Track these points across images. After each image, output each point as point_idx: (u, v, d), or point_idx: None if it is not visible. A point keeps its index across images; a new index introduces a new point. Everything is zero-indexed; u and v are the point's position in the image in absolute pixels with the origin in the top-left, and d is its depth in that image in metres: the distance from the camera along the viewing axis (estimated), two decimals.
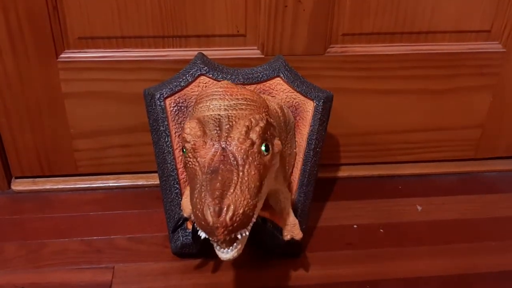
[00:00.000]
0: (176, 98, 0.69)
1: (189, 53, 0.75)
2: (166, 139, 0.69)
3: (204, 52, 0.73)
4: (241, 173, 0.51)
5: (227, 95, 0.58)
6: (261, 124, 0.54)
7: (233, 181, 0.50)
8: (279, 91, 0.71)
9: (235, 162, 0.52)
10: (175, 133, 0.69)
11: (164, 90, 0.69)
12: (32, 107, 0.78)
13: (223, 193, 0.49)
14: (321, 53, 0.79)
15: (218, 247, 0.51)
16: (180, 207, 0.69)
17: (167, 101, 0.69)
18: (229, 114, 0.56)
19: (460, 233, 0.80)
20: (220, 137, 0.53)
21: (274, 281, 0.71)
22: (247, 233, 0.51)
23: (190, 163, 0.54)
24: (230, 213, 0.48)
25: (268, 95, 0.70)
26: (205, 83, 0.69)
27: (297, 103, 0.71)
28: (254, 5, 0.74)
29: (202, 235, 0.50)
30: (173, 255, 0.73)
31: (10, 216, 0.79)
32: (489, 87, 0.85)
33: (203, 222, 0.49)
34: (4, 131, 0.80)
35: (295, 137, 0.72)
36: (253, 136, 0.53)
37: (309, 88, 0.70)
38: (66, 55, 0.75)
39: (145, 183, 0.86)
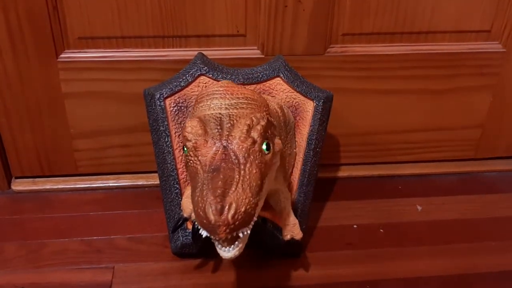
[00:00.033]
0: (176, 98, 0.69)
1: (189, 53, 0.75)
2: (166, 139, 0.69)
3: (204, 52, 0.73)
4: (242, 172, 0.51)
5: (228, 94, 0.58)
6: (262, 123, 0.54)
7: (235, 179, 0.50)
8: (279, 91, 0.71)
9: (236, 161, 0.52)
10: (175, 133, 0.69)
11: (164, 90, 0.69)
12: (32, 107, 0.78)
13: (225, 191, 0.49)
14: (321, 53, 0.79)
15: (219, 246, 0.51)
16: (180, 207, 0.69)
17: (167, 101, 0.69)
18: (230, 113, 0.56)
19: (460, 233, 0.80)
20: (221, 136, 0.53)
21: (274, 281, 0.71)
22: (249, 231, 0.51)
23: (191, 161, 0.54)
24: (232, 211, 0.48)
25: (268, 95, 0.70)
26: (205, 83, 0.69)
27: (297, 103, 0.71)
28: (254, 5, 0.74)
29: (204, 233, 0.50)
30: (173, 255, 0.73)
31: (10, 216, 0.79)
32: (489, 87, 0.85)
33: (204, 221, 0.49)
34: (4, 131, 0.80)
35: (295, 137, 0.72)
36: (255, 134, 0.53)
37: (309, 88, 0.70)
38: (66, 55, 0.75)
39: (145, 183, 0.86)
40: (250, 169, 0.52)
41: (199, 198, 0.50)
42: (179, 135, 0.69)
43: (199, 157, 0.53)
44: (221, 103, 0.57)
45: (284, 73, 0.70)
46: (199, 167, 0.52)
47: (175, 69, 0.73)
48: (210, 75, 0.69)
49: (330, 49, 0.79)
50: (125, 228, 0.78)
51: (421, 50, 0.81)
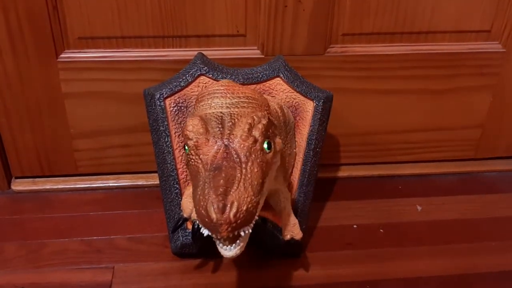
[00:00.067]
0: (176, 98, 0.69)
1: (189, 53, 0.75)
2: (166, 139, 0.69)
3: (204, 52, 0.73)
4: (244, 170, 0.51)
5: (229, 93, 0.58)
6: (264, 122, 0.54)
7: (237, 178, 0.50)
8: (279, 91, 0.71)
9: (238, 159, 0.52)
10: (175, 133, 0.69)
11: (164, 90, 0.69)
12: (32, 107, 0.78)
13: (226, 190, 0.49)
14: (321, 53, 0.79)
15: (220, 245, 0.51)
16: (180, 207, 0.69)
17: (167, 101, 0.69)
18: (231, 112, 0.56)
19: (460, 233, 0.80)
20: (222, 135, 0.53)
21: (274, 281, 0.71)
22: (250, 230, 0.51)
23: (192, 160, 0.53)
24: (234, 210, 0.48)
25: (268, 95, 0.70)
26: (205, 83, 0.69)
27: (297, 103, 0.71)
28: (254, 5, 0.74)
29: (205, 232, 0.50)
30: (173, 255, 0.73)
31: (10, 216, 0.79)
32: (489, 87, 0.85)
33: (206, 219, 0.49)
34: (4, 131, 0.80)
35: (295, 137, 0.72)
36: (256, 133, 0.53)
37: (309, 88, 0.70)
38: (66, 55, 0.75)
39: (145, 183, 0.86)
40: (252, 167, 0.52)
41: (201, 197, 0.50)
42: (179, 135, 0.69)
43: (201, 156, 0.53)
44: (222, 102, 0.57)
45: (284, 73, 0.70)
46: (200, 165, 0.52)
47: (175, 69, 0.73)
48: (210, 75, 0.69)
49: (330, 49, 0.79)
50: (125, 228, 0.78)
51: (421, 50, 0.81)
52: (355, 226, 0.80)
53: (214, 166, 0.51)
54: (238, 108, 0.57)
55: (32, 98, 0.77)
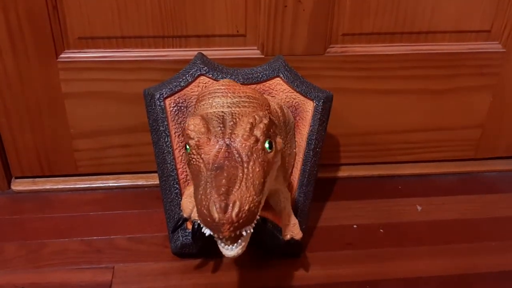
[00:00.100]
0: (175, 98, 0.69)
1: (189, 53, 0.75)
2: (166, 139, 0.69)
3: (204, 52, 0.73)
4: (245, 170, 0.51)
5: (230, 92, 0.58)
6: (265, 121, 0.54)
7: (238, 178, 0.50)
8: (279, 91, 0.71)
9: (239, 159, 0.52)
10: (174, 133, 0.69)
11: (164, 90, 0.69)
12: (32, 107, 0.78)
13: (228, 189, 0.49)
14: (321, 53, 0.79)
15: (222, 244, 0.51)
16: (180, 207, 0.69)
17: (167, 101, 0.69)
18: (233, 111, 0.56)
19: (460, 233, 0.80)
20: (224, 134, 0.53)
21: (274, 281, 0.71)
22: (252, 230, 0.51)
23: (194, 160, 0.53)
24: (236, 209, 0.48)
25: (268, 95, 0.70)
26: (205, 83, 0.69)
27: (296, 103, 0.71)
28: (254, 5, 0.74)
29: (207, 232, 0.50)
30: (173, 255, 0.73)
31: (10, 216, 0.79)
32: (489, 87, 0.85)
33: (208, 219, 0.48)
34: (4, 131, 0.80)
35: (294, 137, 0.72)
36: (257, 133, 0.53)
37: (309, 88, 0.70)
38: (66, 55, 0.75)
39: (145, 183, 0.86)
40: (253, 167, 0.52)
41: (203, 196, 0.50)
42: (179, 135, 0.69)
43: (202, 155, 0.53)
44: (223, 102, 0.57)
45: (284, 73, 0.70)
46: (202, 165, 0.52)
47: (175, 69, 0.73)
48: (210, 75, 0.69)
49: (330, 49, 0.79)
50: (125, 228, 0.78)
51: (421, 50, 0.81)
52: (355, 226, 0.80)
53: (216, 165, 0.51)
54: (239, 107, 0.57)
55: (32, 98, 0.77)
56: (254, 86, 0.70)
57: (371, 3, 0.76)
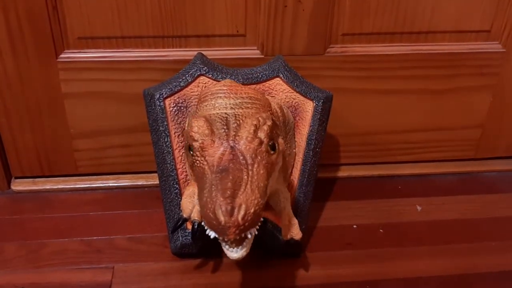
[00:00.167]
0: (175, 98, 0.69)
1: (189, 53, 0.75)
2: (166, 139, 0.69)
3: (204, 52, 0.73)
4: (250, 172, 0.51)
5: (232, 93, 0.58)
6: (269, 123, 0.54)
7: (244, 180, 0.50)
8: (279, 91, 0.71)
9: (244, 161, 0.52)
10: (174, 133, 0.69)
11: (163, 90, 0.69)
12: (32, 107, 0.78)
13: (234, 192, 0.49)
14: (321, 53, 0.79)
15: (227, 246, 0.51)
16: (179, 207, 0.69)
17: (167, 101, 0.69)
18: (236, 113, 0.56)
19: (460, 233, 0.80)
20: (228, 136, 0.53)
21: (274, 281, 0.71)
22: (256, 232, 0.51)
23: (198, 162, 0.53)
24: (242, 213, 0.48)
25: (267, 95, 0.70)
26: (205, 83, 0.69)
27: (296, 103, 0.71)
28: (254, 5, 0.74)
29: (212, 234, 0.50)
30: (173, 255, 0.73)
31: (10, 216, 0.79)
32: (489, 87, 0.85)
33: (214, 222, 0.48)
34: (4, 131, 0.80)
35: (294, 137, 0.72)
36: (261, 135, 0.53)
37: (309, 88, 0.70)
38: (66, 55, 0.75)
39: (145, 183, 0.86)
40: (258, 169, 0.52)
41: (208, 199, 0.49)
42: (178, 135, 0.69)
43: (206, 158, 0.53)
44: (226, 103, 0.57)
45: (284, 73, 0.70)
46: (206, 167, 0.52)
47: (175, 69, 0.73)
48: (210, 75, 0.69)
49: (330, 49, 0.79)
50: (125, 228, 0.78)
51: (421, 50, 0.81)
52: (355, 226, 0.80)
53: (220, 168, 0.51)
54: (242, 109, 0.57)
55: (32, 98, 0.77)
56: (254, 86, 0.70)
57: (371, 3, 0.76)
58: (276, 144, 0.55)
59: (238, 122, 0.54)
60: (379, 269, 0.73)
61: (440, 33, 0.80)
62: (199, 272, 0.72)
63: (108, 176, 0.85)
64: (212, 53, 0.75)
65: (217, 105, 0.57)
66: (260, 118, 0.54)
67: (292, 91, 0.70)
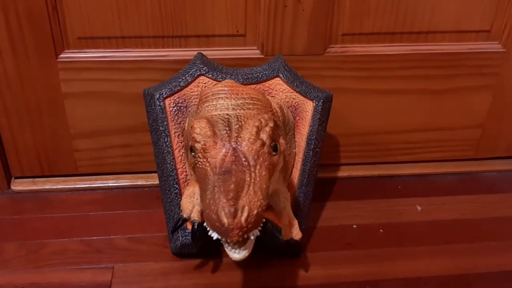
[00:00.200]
0: (175, 98, 0.69)
1: (189, 53, 0.75)
2: (166, 139, 0.69)
3: (204, 52, 0.73)
4: (253, 174, 0.51)
5: (233, 94, 0.58)
6: (271, 125, 0.54)
7: (246, 182, 0.50)
8: (279, 91, 0.71)
9: (246, 163, 0.52)
10: (174, 133, 0.69)
11: (163, 90, 0.69)
12: (32, 107, 0.78)
13: (237, 194, 0.49)
14: (321, 53, 0.79)
15: (229, 248, 0.51)
16: (179, 207, 0.69)
17: (167, 101, 0.69)
18: (238, 114, 0.56)
19: (460, 233, 0.80)
20: (230, 138, 0.53)
21: (274, 281, 0.71)
22: (258, 233, 0.51)
23: (200, 163, 0.53)
24: (245, 214, 0.48)
25: (267, 95, 0.70)
26: (205, 83, 0.69)
27: (296, 103, 0.71)
28: (254, 5, 0.74)
29: (214, 236, 0.50)
30: (173, 255, 0.73)
31: (10, 216, 0.79)
32: (489, 87, 0.85)
33: (217, 224, 0.48)
34: (4, 131, 0.80)
35: (294, 137, 0.72)
36: (263, 136, 0.53)
37: (309, 88, 0.70)
38: (66, 55, 0.75)
39: (145, 183, 0.86)
40: (260, 171, 0.52)
41: (211, 201, 0.49)
42: (178, 135, 0.69)
43: (209, 159, 0.53)
44: (227, 104, 0.57)
45: (284, 73, 0.70)
46: (208, 169, 0.52)
47: (175, 69, 0.73)
48: (210, 75, 0.69)
49: (330, 49, 0.79)
50: (125, 228, 0.78)
51: (421, 50, 0.81)
52: (355, 226, 0.80)
53: (223, 169, 0.51)
54: (244, 109, 0.56)
55: (32, 98, 0.77)
56: (254, 86, 0.70)
57: (371, 3, 0.76)
58: (278, 145, 0.55)
59: (240, 123, 0.54)
60: (379, 269, 0.73)
61: (440, 33, 0.80)
62: (199, 272, 0.72)
63: (108, 176, 0.85)
64: (212, 53, 0.75)
65: (218, 106, 0.57)
66: (262, 119, 0.54)
67: (292, 91, 0.70)
